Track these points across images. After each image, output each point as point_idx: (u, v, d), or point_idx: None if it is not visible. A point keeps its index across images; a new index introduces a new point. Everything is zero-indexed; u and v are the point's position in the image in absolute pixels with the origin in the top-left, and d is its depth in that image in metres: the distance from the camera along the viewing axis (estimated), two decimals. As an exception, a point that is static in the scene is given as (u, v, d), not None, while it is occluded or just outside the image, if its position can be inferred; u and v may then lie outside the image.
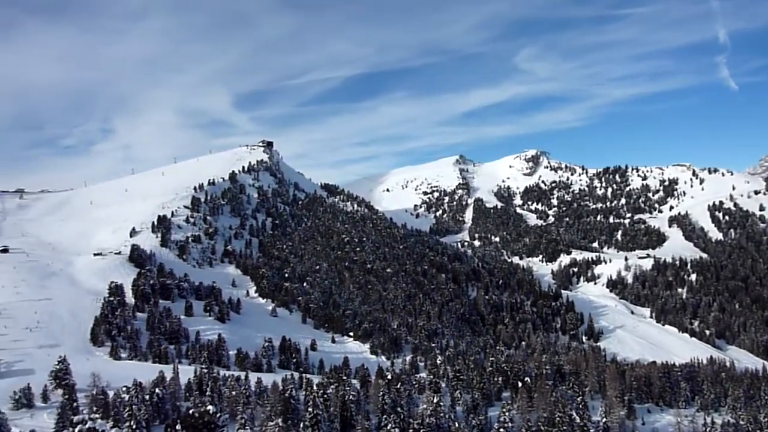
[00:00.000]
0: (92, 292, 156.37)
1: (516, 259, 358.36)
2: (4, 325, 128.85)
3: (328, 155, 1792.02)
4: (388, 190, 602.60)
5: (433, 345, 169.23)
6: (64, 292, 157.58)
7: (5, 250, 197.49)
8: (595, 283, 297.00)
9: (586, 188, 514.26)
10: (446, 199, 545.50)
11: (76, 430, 62.97)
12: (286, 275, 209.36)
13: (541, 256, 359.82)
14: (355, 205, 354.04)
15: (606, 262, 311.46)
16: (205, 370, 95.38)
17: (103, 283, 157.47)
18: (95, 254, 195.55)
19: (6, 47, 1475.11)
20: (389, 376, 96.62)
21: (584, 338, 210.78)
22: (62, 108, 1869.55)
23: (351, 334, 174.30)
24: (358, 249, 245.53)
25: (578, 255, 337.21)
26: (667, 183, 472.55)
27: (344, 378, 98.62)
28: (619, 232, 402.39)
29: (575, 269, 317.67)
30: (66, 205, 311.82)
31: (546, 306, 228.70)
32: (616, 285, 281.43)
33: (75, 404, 79.87)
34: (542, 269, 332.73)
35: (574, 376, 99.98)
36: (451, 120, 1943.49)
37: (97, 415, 76.93)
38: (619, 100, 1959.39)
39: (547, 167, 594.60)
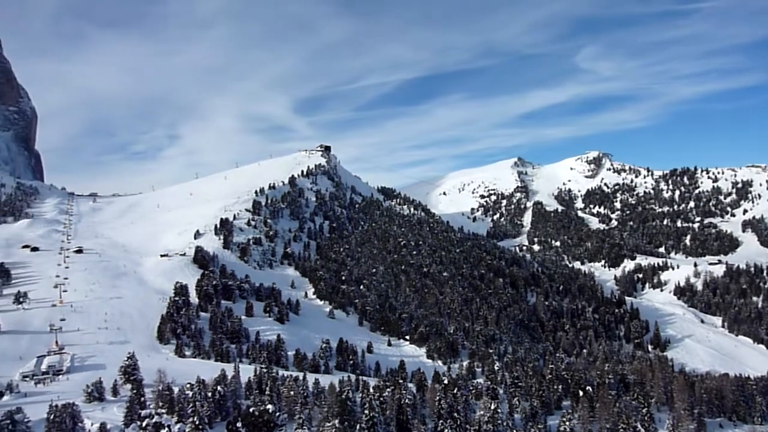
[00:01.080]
0: (159, 291, 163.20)
1: (577, 264, 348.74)
2: (78, 323, 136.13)
3: (385, 159, 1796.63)
4: (444, 193, 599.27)
5: (491, 351, 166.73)
6: (133, 291, 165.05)
7: (80, 251, 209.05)
8: (662, 290, 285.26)
9: (652, 191, 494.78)
10: (504, 202, 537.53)
11: (144, 423, 65.61)
12: (343, 278, 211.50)
13: (603, 262, 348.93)
14: (412, 209, 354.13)
15: (673, 268, 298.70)
16: (265, 370, 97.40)
17: (169, 283, 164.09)
18: (162, 255, 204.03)
19: (79, 59, 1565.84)
20: (446, 381, 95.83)
21: (650, 347, 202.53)
22: (131, 115, 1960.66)
23: (407, 337, 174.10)
24: (414, 252, 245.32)
25: (643, 260, 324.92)
26: (740, 185, 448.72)
27: (401, 381, 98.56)
28: (688, 237, 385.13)
29: (640, 275, 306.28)
30: (135, 208, 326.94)
31: (609, 313, 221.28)
32: (684, 292, 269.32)
33: (142, 399, 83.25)
34: (605, 275, 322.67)
35: (639, 387, 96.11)
36: (510, 122, 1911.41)
37: (163, 410, 79.91)
38: (687, 99, 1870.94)
39: (609, 169, 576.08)
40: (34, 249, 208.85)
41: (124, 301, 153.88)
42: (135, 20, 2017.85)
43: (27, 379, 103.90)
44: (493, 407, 75.54)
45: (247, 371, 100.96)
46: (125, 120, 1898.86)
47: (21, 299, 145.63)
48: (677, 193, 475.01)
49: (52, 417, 70.48)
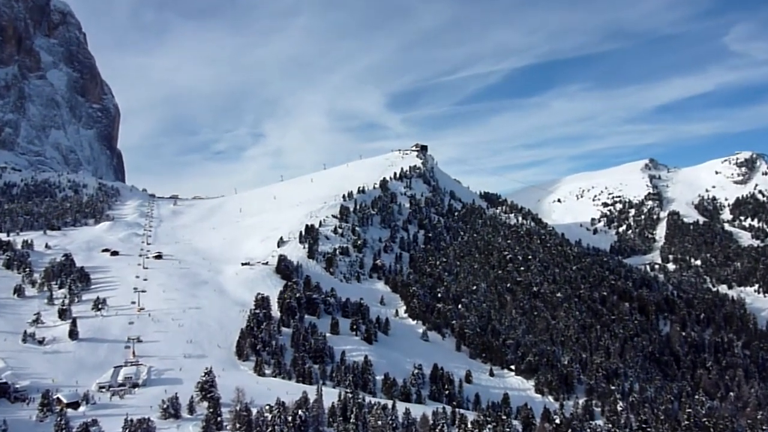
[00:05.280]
0: (239, 302, 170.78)
1: (723, 288, 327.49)
2: (156, 333, 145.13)
3: (490, 160, 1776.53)
4: (559, 200, 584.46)
5: (613, 388, 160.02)
6: (212, 301, 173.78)
7: (159, 257, 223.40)
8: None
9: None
10: (632, 211, 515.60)
11: (220, 446, 68.71)
12: (440, 295, 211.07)
13: (757, 286, 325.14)
14: (520, 218, 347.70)
15: None
16: (350, 395, 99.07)
17: (250, 294, 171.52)
18: (243, 264, 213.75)
19: (161, 52, 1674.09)
20: (558, 420, 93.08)
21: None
22: (214, 112, 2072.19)
23: (512, 367, 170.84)
24: (522, 268, 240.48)
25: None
26: None
27: (504, 417, 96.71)
28: None
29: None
30: (217, 212, 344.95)
31: (763, 349, 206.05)
32: None
33: (219, 419, 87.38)
34: (759, 302, 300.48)
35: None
36: (640, 116, 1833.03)
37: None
38: None
39: (766, 173, 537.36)
40: (114, 253, 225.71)
41: (203, 312, 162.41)
42: (218, 9, 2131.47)
43: (103, 390, 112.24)
44: (615, 455, 72.31)
45: (331, 395, 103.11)
46: (207, 117, 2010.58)
47: (100, 306, 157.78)
48: None
49: (127, 432, 75.53)
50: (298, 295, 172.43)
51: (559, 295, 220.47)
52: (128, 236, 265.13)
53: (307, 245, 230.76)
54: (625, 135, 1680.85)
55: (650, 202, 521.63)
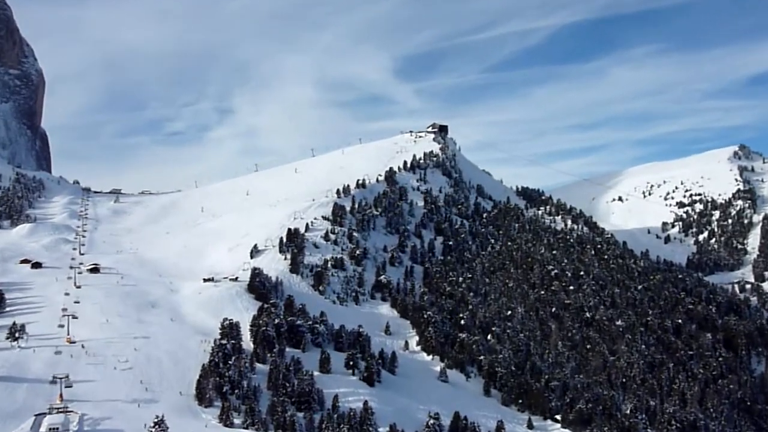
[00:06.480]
0: (200, 330, 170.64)
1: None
2: (90, 370, 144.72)
3: (529, 145, 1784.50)
4: (620, 198, 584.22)
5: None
6: (165, 329, 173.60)
7: (95, 270, 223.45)
8: None
9: None
10: (716, 214, 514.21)
11: None
12: (463, 322, 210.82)
13: None
14: (569, 221, 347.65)
15: None
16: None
17: (214, 319, 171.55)
18: (205, 280, 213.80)
19: (98, 2, 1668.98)
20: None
21: None
22: (168, 81, 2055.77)
23: (558, 417, 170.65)
24: (571, 288, 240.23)
25: None
26: None
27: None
28: None
29: None
30: (171, 212, 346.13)
31: None
32: None
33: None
34: None
35: None
36: (728, 89, 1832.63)
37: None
38: None
39: None
40: (36, 265, 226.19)
41: (153, 343, 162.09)
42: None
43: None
44: None
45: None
46: (159, 87, 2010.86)
47: (17, 334, 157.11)
48: None
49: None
50: (277, 321, 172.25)
51: (619, 322, 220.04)
52: (55, 243, 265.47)
53: (289, 256, 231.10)
54: (708, 114, 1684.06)
55: (740, 202, 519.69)
